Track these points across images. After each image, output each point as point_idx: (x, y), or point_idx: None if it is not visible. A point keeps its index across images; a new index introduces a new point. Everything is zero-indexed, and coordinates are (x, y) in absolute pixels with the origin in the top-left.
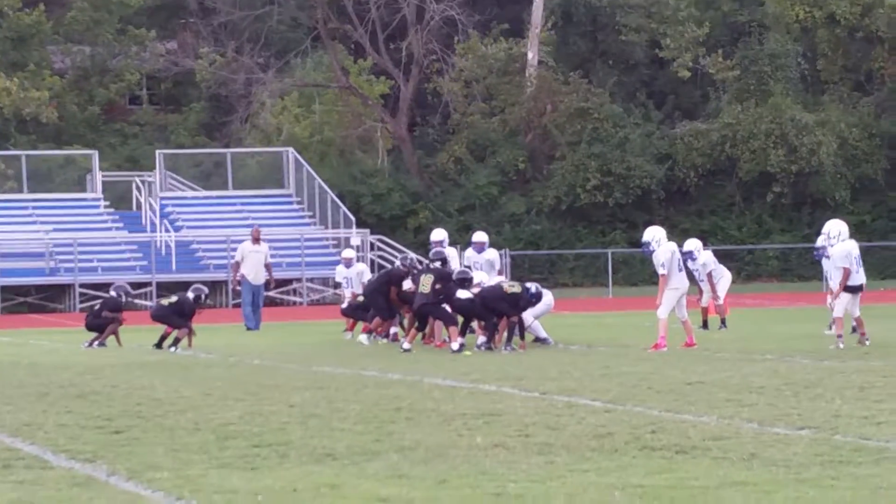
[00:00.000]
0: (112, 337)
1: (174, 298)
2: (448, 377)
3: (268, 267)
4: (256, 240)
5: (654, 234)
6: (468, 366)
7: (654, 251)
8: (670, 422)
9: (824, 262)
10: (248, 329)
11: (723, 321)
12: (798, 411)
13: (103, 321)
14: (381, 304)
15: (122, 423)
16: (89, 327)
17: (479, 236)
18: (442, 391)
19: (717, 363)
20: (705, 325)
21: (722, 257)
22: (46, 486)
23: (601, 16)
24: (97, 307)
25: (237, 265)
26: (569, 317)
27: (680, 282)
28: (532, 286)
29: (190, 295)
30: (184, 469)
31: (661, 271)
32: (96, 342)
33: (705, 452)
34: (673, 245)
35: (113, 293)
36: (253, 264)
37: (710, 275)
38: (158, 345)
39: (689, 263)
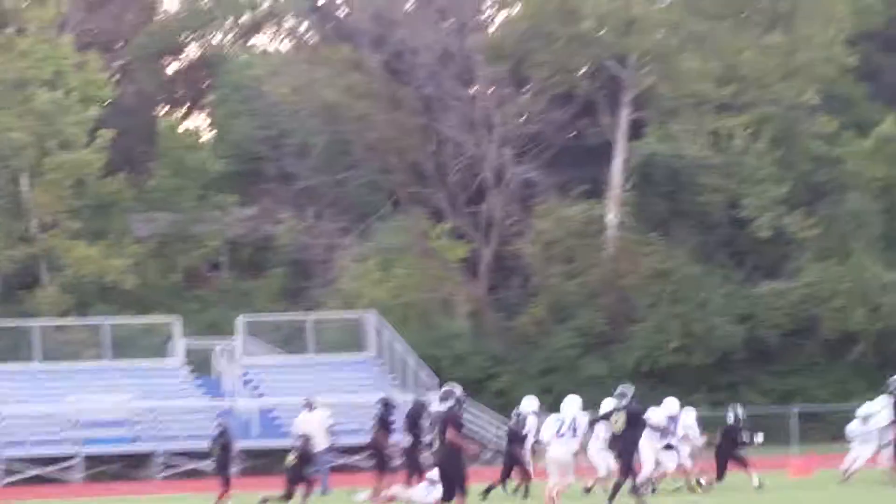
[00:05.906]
0: None
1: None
2: None
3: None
4: (309, 408)
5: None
6: None
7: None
8: None
9: None
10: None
11: None
12: None
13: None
14: None
15: None
16: None
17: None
18: None
19: None
20: None
21: (807, 417)
22: None
23: (680, 176)
24: None
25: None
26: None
27: (555, 451)
28: None
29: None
30: None
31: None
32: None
33: None
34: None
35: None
36: (308, 432)
37: None
38: None
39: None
